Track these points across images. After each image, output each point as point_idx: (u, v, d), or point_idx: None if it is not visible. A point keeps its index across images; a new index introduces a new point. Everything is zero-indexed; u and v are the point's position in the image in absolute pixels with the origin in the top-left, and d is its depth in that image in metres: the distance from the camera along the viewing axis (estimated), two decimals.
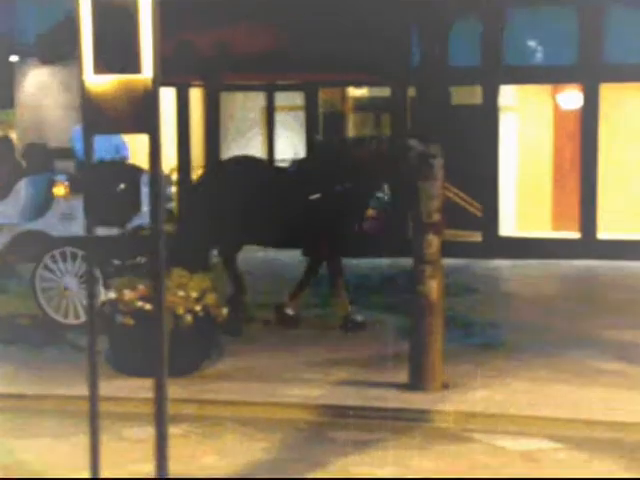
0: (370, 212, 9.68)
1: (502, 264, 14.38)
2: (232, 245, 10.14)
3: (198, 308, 8.09)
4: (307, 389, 7.80)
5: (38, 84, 16.16)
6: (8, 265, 10.90)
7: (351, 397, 7.58)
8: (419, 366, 7.71)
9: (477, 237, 15.07)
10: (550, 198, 15.75)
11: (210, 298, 8.23)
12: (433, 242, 7.70)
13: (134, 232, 10.11)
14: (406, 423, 7.10)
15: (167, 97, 15.23)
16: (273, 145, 16.65)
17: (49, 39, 14.80)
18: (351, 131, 16.87)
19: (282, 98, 16.88)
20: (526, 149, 15.70)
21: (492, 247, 14.76)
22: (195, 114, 16.63)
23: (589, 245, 14.52)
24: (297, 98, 16.56)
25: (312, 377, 8.14)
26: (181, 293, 8.05)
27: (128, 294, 8.03)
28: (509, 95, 15.37)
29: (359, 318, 9.86)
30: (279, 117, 16.84)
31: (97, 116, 4.49)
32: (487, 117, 14.85)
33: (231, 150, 16.20)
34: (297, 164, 11.12)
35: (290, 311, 9.96)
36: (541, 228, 15.49)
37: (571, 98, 15.35)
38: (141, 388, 7.34)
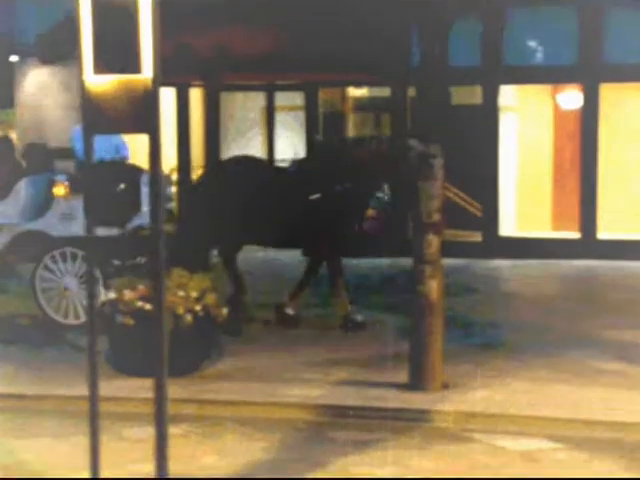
0: (370, 212, 9.68)
1: (502, 264, 14.37)
2: (232, 245, 10.14)
3: (198, 308, 8.09)
4: (307, 389, 7.79)
5: (38, 84, 16.15)
6: (8, 265, 10.89)
7: (351, 397, 7.58)
8: (419, 366, 7.71)
9: (477, 237, 15.07)
10: (550, 198, 15.75)
11: (210, 298, 8.23)
12: (433, 242, 7.70)
13: (134, 232, 10.11)
14: (406, 423, 7.10)
15: (167, 97, 15.22)
16: (273, 145, 16.64)
17: (49, 39, 14.79)
18: (351, 131, 16.87)
19: (282, 98, 16.88)
20: (526, 149, 15.69)
21: (492, 247, 14.75)
22: (195, 114, 16.63)
23: (589, 245, 14.52)
24: (297, 98, 16.55)
25: (312, 377, 8.13)
26: (181, 293, 8.05)
27: (128, 294, 8.03)
28: (509, 95, 15.37)
29: (359, 318, 9.86)
30: (279, 117, 16.84)
31: (97, 116, 4.50)
32: (487, 117, 14.85)
33: (231, 150, 16.19)
34: (297, 164, 11.11)
35: (290, 311, 9.96)
36: (541, 228, 15.49)
37: (571, 98, 15.35)
38: (141, 388, 7.34)
